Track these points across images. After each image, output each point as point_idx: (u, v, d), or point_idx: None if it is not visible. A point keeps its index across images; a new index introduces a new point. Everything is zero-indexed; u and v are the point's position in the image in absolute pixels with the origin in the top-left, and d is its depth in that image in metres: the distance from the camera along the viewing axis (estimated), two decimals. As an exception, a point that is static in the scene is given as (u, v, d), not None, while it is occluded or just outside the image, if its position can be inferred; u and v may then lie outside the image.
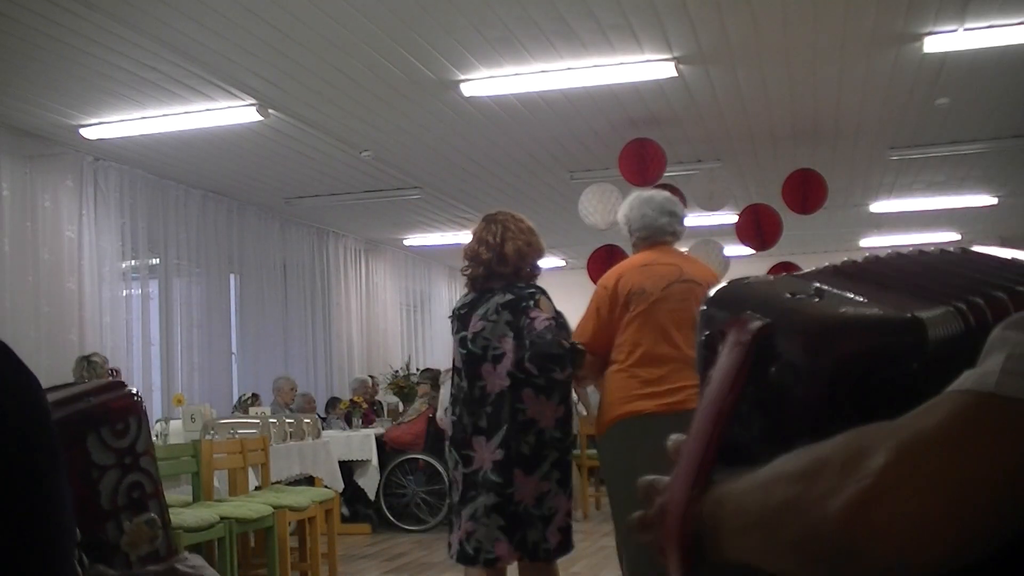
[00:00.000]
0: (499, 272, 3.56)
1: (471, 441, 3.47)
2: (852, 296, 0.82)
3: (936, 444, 0.60)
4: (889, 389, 0.74)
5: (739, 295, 0.91)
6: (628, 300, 3.49)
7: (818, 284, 0.87)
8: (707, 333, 0.91)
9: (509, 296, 3.50)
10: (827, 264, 0.98)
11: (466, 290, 3.70)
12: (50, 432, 0.79)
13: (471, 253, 3.65)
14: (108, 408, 1.29)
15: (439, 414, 4.58)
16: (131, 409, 1.35)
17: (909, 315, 0.77)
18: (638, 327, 3.49)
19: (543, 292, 3.57)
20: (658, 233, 3.67)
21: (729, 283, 0.93)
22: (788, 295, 0.85)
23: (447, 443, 3.66)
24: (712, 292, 0.94)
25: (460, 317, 3.60)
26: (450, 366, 3.88)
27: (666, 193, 3.98)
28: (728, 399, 0.78)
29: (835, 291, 0.84)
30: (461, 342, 3.56)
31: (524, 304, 3.47)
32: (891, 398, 0.72)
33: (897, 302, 0.80)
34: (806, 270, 0.96)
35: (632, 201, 3.79)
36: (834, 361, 0.75)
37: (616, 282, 3.57)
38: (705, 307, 0.93)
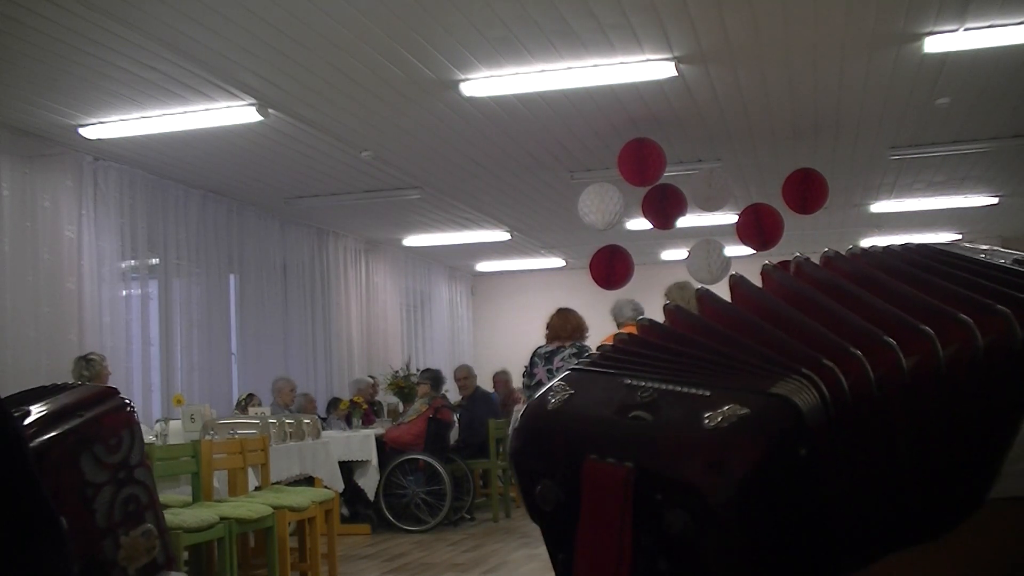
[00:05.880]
0: (564, 337, 6.35)
1: None
2: (693, 391, 0.73)
3: None
4: (789, 488, 0.67)
5: (557, 427, 0.79)
6: None
7: (631, 380, 0.76)
8: (538, 489, 0.78)
9: (575, 349, 6.19)
10: (631, 335, 0.88)
11: (545, 342, 6.44)
12: (25, 462, 0.79)
13: (552, 324, 6.48)
14: (101, 424, 1.27)
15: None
16: (124, 422, 1.33)
17: (774, 398, 0.69)
18: None
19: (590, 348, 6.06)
20: (627, 319, 6.31)
21: (532, 412, 0.81)
22: (616, 415, 0.74)
23: None
24: (516, 426, 0.82)
25: (545, 357, 6.25)
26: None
27: (630, 299, 6.59)
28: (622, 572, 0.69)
29: (667, 388, 0.75)
30: (548, 372, 6.11)
31: (586, 353, 5.89)
32: (795, 497, 0.67)
33: (749, 375, 0.73)
34: (612, 349, 0.86)
35: (614, 302, 6.57)
36: (732, 491, 0.66)
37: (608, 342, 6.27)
38: (517, 446, 0.81)
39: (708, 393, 0.72)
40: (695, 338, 0.82)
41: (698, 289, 0.91)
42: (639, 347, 0.85)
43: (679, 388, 0.73)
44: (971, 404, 0.73)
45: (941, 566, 0.61)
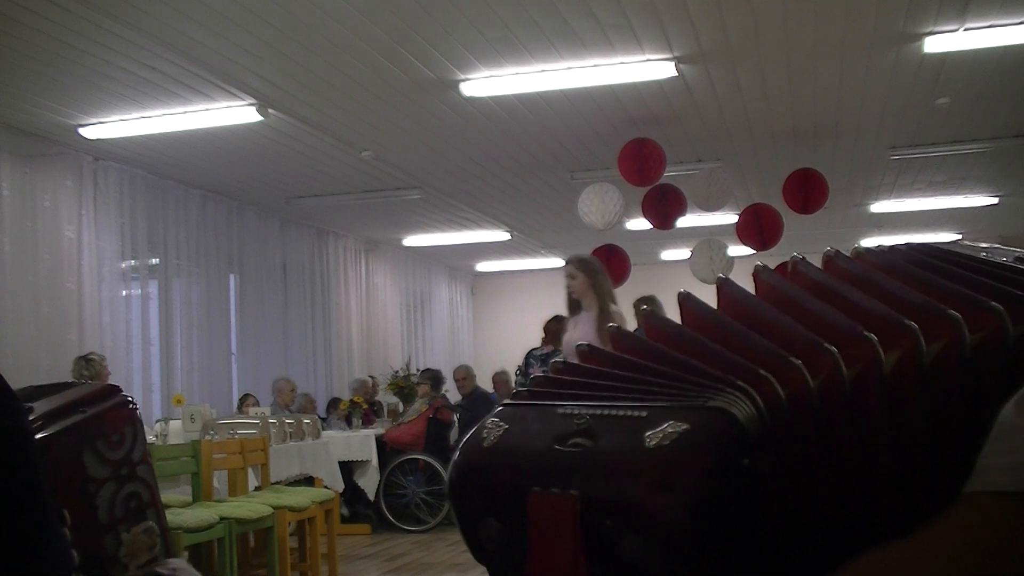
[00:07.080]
0: (558, 342, 6.29)
1: None
2: (628, 413, 0.72)
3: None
4: (738, 499, 0.67)
5: (494, 464, 0.77)
6: None
7: (564, 409, 0.75)
8: (481, 528, 0.77)
9: None
10: (556, 366, 0.87)
11: (540, 344, 6.68)
12: (29, 456, 0.78)
13: (550, 329, 6.66)
14: (103, 420, 1.27)
15: None
16: (126, 419, 1.32)
17: (712, 411, 0.69)
18: None
19: None
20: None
21: (467, 451, 0.79)
22: (554, 445, 0.73)
23: None
24: (453, 464, 0.81)
25: (541, 359, 6.39)
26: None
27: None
28: None
29: (602, 412, 0.74)
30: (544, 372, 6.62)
31: None
32: (746, 506, 0.67)
33: (688, 391, 0.72)
34: (543, 379, 0.85)
35: None
36: (682, 508, 0.66)
37: None
38: (456, 488, 0.79)
39: (645, 413, 0.71)
40: (634, 355, 0.81)
41: (680, 293, 0.92)
42: (571, 374, 0.85)
43: (614, 412, 0.73)
44: (959, 401, 0.72)
45: (914, 561, 0.61)
